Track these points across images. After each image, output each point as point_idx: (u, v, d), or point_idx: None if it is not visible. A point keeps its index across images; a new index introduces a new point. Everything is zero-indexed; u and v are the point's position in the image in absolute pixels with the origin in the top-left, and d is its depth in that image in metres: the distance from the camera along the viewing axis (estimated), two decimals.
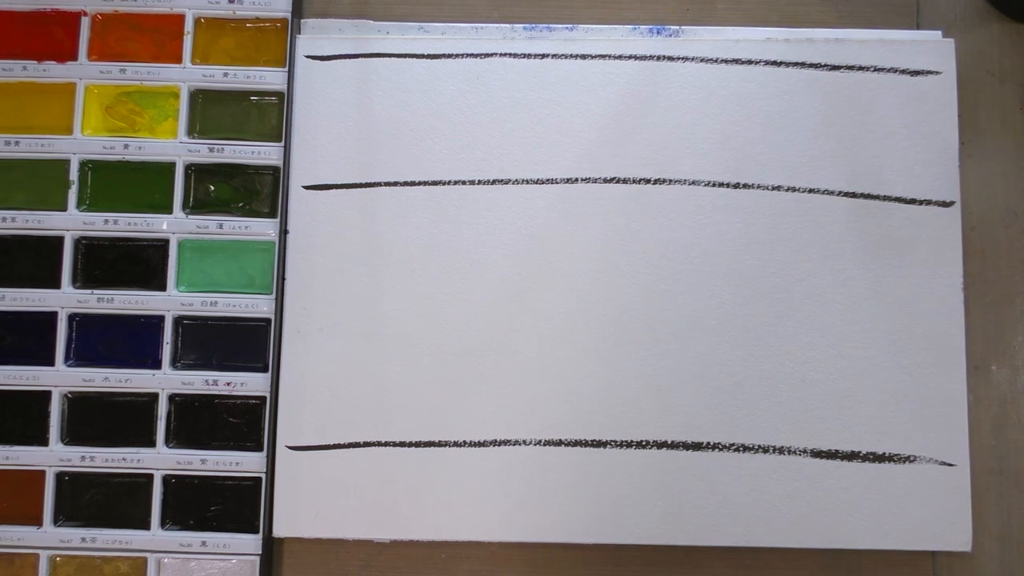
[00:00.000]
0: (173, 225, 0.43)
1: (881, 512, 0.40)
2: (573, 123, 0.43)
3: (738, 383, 0.41)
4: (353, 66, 0.43)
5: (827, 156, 0.42)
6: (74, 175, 0.43)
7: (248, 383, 0.42)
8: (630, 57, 0.43)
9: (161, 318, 0.42)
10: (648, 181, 0.42)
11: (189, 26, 0.44)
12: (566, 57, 0.43)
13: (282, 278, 0.42)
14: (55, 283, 0.42)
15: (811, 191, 0.42)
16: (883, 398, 0.41)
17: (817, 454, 0.41)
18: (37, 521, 0.41)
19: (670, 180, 0.42)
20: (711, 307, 0.41)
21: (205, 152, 0.43)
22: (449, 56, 0.43)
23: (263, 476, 0.41)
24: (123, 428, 0.42)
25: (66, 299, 0.42)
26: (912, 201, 0.42)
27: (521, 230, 0.42)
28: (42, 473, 0.41)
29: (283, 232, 0.42)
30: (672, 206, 0.42)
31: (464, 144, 0.43)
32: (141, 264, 0.43)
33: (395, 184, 0.43)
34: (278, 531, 0.41)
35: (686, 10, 0.45)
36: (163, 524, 0.41)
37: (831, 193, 0.42)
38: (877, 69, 0.43)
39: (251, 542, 0.41)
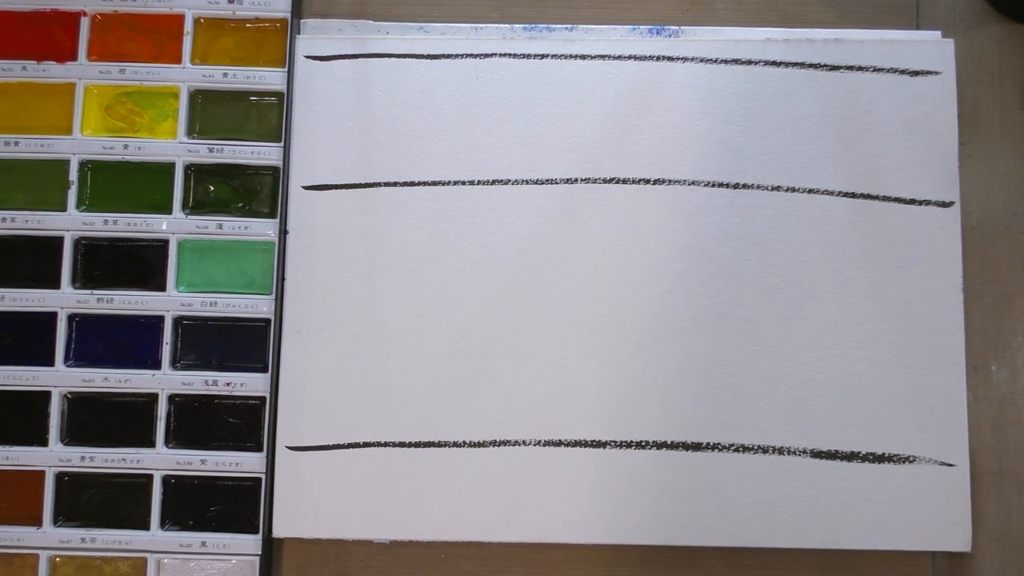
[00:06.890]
0: (173, 225, 0.43)
1: (881, 512, 0.40)
2: (573, 123, 0.43)
3: (738, 383, 0.41)
4: (353, 66, 0.43)
5: (827, 156, 0.42)
6: (73, 175, 0.43)
7: (248, 383, 0.42)
8: (630, 57, 0.43)
9: (161, 318, 0.42)
10: (648, 181, 0.42)
11: (189, 26, 0.44)
12: (566, 57, 0.43)
13: (282, 278, 0.42)
14: (55, 283, 0.42)
15: (811, 191, 0.42)
16: (883, 398, 0.41)
17: (817, 454, 0.41)
18: (37, 521, 0.41)
19: (670, 180, 0.42)
20: (711, 307, 0.41)
21: (205, 152, 0.43)
22: (449, 56, 0.43)
23: (263, 476, 0.41)
24: (123, 428, 0.42)
25: (66, 299, 0.42)
26: (912, 201, 0.42)
27: (521, 230, 0.42)
28: (42, 473, 0.41)
29: (283, 232, 0.42)
30: (672, 206, 0.42)
31: (464, 144, 0.43)
32: (141, 264, 0.43)
33: (395, 184, 0.43)
34: (278, 531, 0.41)
35: (686, 10, 0.45)
36: (163, 524, 0.41)
37: (831, 193, 0.42)
38: (876, 69, 0.43)
39: (251, 542, 0.41)
